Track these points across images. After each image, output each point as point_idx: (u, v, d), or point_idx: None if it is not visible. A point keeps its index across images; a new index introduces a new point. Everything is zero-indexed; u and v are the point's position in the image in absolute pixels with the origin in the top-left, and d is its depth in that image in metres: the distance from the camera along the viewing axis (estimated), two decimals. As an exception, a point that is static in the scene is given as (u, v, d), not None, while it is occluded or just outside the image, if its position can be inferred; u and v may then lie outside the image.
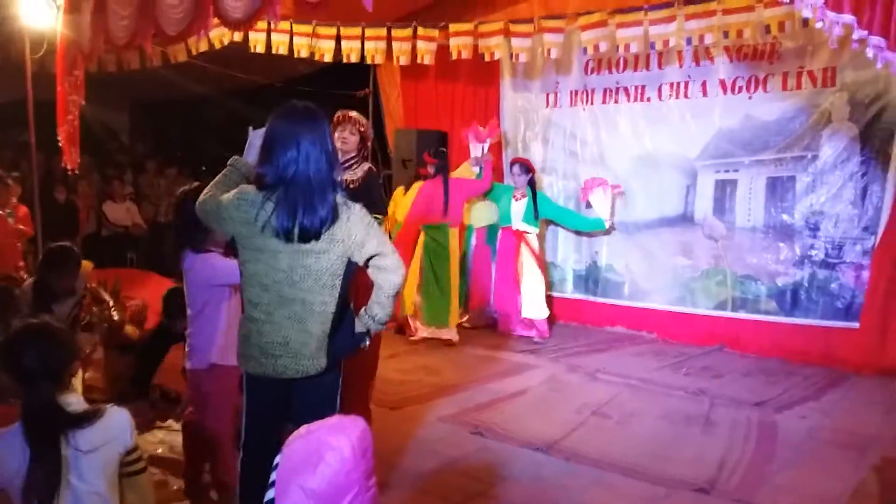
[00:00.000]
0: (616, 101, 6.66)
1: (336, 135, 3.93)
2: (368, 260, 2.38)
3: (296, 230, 2.25)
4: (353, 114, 4.15)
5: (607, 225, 6.39)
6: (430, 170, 6.06)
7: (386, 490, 3.23)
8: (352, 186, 3.99)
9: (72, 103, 5.49)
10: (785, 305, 5.74)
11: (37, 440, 1.85)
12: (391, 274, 2.39)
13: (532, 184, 6.34)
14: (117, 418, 2.00)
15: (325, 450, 1.31)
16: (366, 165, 4.13)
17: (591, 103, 6.81)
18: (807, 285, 5.64)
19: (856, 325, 5.34)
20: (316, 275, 2.30)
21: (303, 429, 1.38)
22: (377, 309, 2.43)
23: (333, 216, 2.28)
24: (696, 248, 6.21)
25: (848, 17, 3.29)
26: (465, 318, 6.56)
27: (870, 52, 3.27)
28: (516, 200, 6.32)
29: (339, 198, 2.33)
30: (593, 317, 6.77)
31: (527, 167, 6.38)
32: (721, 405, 4.48)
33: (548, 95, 7.07)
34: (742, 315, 5.95)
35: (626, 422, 4.21)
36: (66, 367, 1.99)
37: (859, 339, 5.29)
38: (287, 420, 2.47)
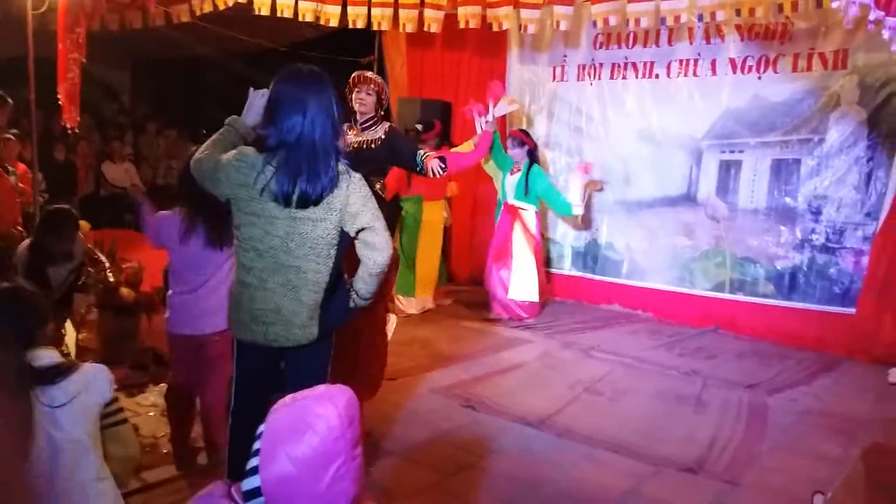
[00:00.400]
0: (624, 78, 6.57)
1: (353, 96, 3.97)
2: (358, 232, 2.35)
3: (295, 196, 2.22)
4: (370, 74, 4.13)
5: (575, 211, 6.09)
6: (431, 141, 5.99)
7: (377, 459, 3.26)
8: (374, 146, 4.04)
9: (72, 61, 5.41)
10: (783, 289, 5.73)
11: (6, 395, 1.91)
12: (377, 253, 2.36)
13: (533, 157, 6.15)
14: (93, 372, 2.08)
15: (312, 418, 1.30)
16: (386, 124, 4.12)
17: (599, 78, 6.72)
18: (806, 269, 5.62)
19: (852, 310, 5.33)
20: (312, 242, 2.28)
21: (288, 398, 1.38)
22: (360, 285, 2.42)
23: (334, 183, 2.25)
24: (698, 229, 6.18)
25: (866, -2, 3.23)
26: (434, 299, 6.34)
27: (886, 34, 3.22)
28: (511, 175, 6.13)
29: (341, 165, 2.30)
30: (590, 294, 6.77)
31: (521, 140, 6.11)
32: (713, 386, 4.49)
33: (555, 69, 6.98)
34: (739, 297, 5.94)
35: (619, 399, 4.23)
36: (36, 329, 2.06)
37: (854, 325, 5.28)
38: (276, 388, 2.47)
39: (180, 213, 2.98)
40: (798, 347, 5.41)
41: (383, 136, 3.97)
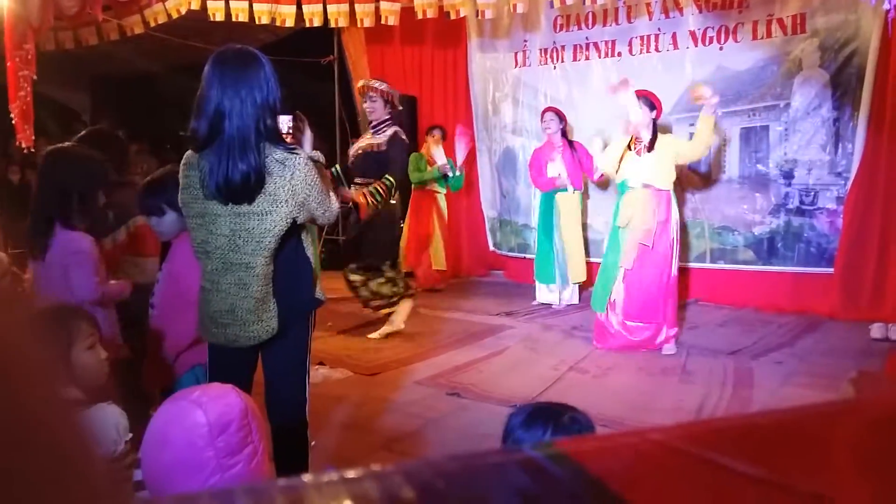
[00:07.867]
0: (587, 58, 6.55)
1: (364, 105, 4.25)
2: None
3: (224, 187, 2.11)
4: (373, 82, 4.32)
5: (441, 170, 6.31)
6: None
7: (363, 456, 3.18)
8: (377, 150, 4.26)
9: (23, 79, 5.28)
10: (762, 254, 5.73)
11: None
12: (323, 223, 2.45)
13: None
14: (101, 419, 1.69)
15: (174, 426, 1.26)
16: (392, 130, 4.31)
17: (562, 61, 6.69)
18: (783, 233, 5.63)
19: (830, 270, 5.34)
20: (259, 237, 2.17)
21: (176, 394, 1.34)
22: None
23: (260, 171, 2.11)
24: (674, 202, 6.15)
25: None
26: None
27: None
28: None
29: (280, 152, 2.15)
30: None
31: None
32: (697, 355, 4.46)
33: (516, 54, 6.94)
34: (721, 265, 5.92)
35: (604, 375, 4.18)
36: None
37: (834, 285, 5.29)
38: (248, 388, 2.41)
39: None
40: (779, 312, 5.41)
41: (386, 142, 4.16)
